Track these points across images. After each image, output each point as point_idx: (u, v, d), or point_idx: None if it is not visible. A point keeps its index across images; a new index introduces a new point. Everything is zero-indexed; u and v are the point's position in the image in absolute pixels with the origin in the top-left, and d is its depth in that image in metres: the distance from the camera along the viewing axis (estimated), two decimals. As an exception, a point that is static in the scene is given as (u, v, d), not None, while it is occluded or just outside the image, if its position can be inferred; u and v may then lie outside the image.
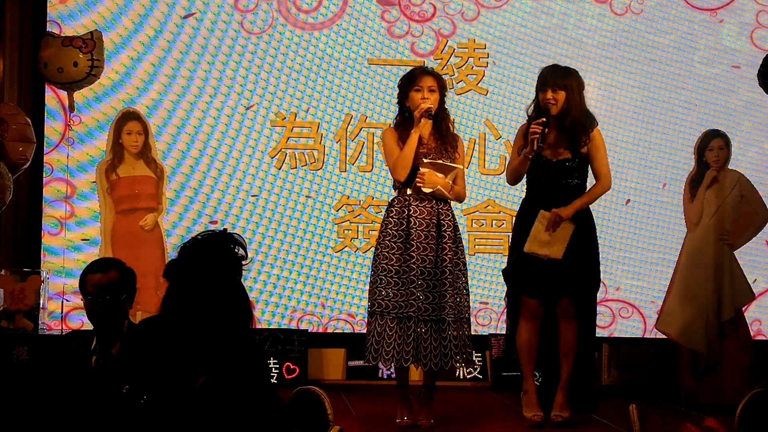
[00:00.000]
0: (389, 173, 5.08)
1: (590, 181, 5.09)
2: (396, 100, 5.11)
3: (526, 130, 4.95)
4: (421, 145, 4.93)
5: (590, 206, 5.07)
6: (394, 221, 4.92)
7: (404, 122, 5.00)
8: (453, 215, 5.01)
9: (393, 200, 5.01)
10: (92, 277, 3.70)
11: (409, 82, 4.99)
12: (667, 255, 6.38)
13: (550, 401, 4.99)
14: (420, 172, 4.89)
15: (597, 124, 5.05)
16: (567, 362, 4.96)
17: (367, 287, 5.07)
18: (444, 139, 5.00)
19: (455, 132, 5.16)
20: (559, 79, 4.98)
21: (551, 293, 4.96)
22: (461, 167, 5.00)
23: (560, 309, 4.96)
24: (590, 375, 5.11)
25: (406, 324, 4.84)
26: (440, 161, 4.91)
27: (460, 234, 5.02)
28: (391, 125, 5.16)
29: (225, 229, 2.63)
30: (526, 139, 4.94)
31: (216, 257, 2.54)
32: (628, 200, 6.65)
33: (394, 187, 5.07)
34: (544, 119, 4.87)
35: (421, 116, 4.88)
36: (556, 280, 4.92)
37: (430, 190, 4.89)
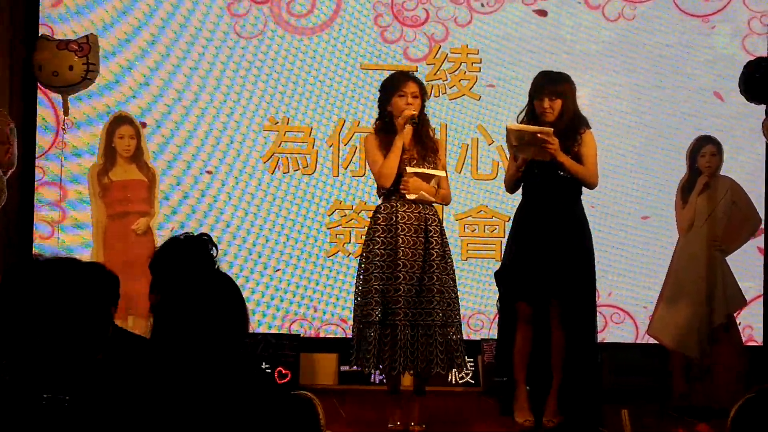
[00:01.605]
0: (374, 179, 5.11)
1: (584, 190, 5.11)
2: (377, 104, 5.11)
3: None
4: (404, 151, 4.93)
5: (585, 213, 5.07)
6: (382, 228, 4.93)
7: (385, 127, 4.99)
8: (440, 220, 5.05)
9: (379, 207, 5.02)
10: None
11: (392, 87, 4.97)
12: (659, 260, 6.38)
13: (542, 407, 4.99)
14: (404, 179, 4.89)
15: (590, 127, 5.05)
16: (559, 367, 4.95)
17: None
18: (425, 145, 5.00)
19: (436, 137, 5.17)
20: (556, 86, 4.97)
21: (543, 296, 4.96)
22: (444, 174, 5.01)
23: (553, 313, 4.96)
24: (595, 387, 5.05)
25: (392, 331, 4.83)
26: (423, 170, 4.92)
27: (446, 239, 5.03)
28: (374, 130, 5.12)
29: (207, 235, 2.67)
30: None
31: (193, 256, 2.57)
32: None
33: (379, 193, 5.07)
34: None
35: (406, 123, 4.88)
36: (548, 283, 4.92)
37: (414, 196, 4.90)
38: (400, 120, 4.88)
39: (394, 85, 4.97)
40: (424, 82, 5.34)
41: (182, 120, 6.52)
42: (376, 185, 5.11)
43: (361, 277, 4.97)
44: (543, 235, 4.94)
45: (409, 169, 4.89)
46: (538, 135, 4.81)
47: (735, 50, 6.75)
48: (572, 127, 4.98)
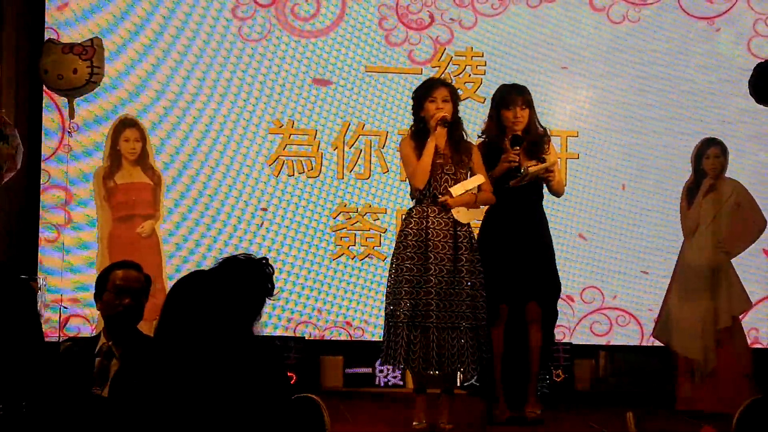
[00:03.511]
0: (408, 181, 5.14)
1: (548, 196, 5.29)
2: (411, 111, 5.14)
3: (487, 151, 5.14)
4: (437, 154, 4.99)
5: (545, 212, 5.25)
6: (413, 232, 4.98)
7: (420, 132, 5.05)
8: (470, 226, 5.08)
9: (411, 210, 5.07)
10: (120, 272, 3.69)
11: (424, 93, 5.06)
12: (663, 263, 6.38)
13: (521, 399, 5.14)
14: (442, 198, 4.95)
15: (550, 139, 5.30)
16: (535, 362, 5.13)
17: (384, 294, 5.13)
18: (458, 147, 5.07)
19: (469, 140, 5.19)
20: (525, 96, 5.19)
21: (520, 297, 5.11)
22: (483, 179, 5.06)
23: (528, 313, 5.12)
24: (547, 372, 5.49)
25: (423, 332, 4.89)
26: (464, 188, 4.98)
27: (476, 245, 5.08)
28: (408, 134, 5.17)
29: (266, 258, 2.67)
30: (487, 159, 5.09)
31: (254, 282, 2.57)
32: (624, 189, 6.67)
33: (413, 196, 5.11)
34: (518, 147, 5.07)
35: (437, 124, 4.94)
36: (524, 283, 5.08)
37: (458, 214, 4.99)
38: (432, 122, 4.96)
39: (425, 90, 5.08)
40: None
41: (188, 123, 6.53)
42: (409, 188, 5.16)
43: (392, 278, 5.03)
44: (511, 239, 5.13)
45: (454, 192, 4.96)
46: (550, 168, 5.10)
47: (740, 52, 6.75)
48: (542, 137, 5.21)
